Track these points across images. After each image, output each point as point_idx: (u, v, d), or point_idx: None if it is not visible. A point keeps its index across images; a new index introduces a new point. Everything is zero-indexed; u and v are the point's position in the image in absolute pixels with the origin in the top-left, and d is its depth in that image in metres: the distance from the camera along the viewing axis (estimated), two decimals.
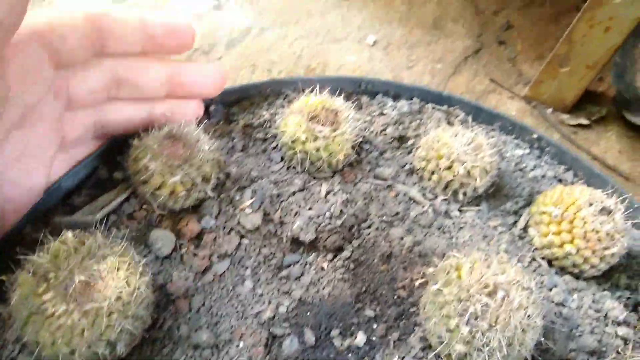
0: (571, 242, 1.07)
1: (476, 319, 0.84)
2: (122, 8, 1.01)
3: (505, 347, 0.84)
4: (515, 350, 0.85)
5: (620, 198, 1.09)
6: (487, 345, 0.84)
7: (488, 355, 0.84)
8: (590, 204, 1.07)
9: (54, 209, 1.01)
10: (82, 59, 0.93)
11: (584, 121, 1.84)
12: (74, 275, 0.75)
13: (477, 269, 0.89)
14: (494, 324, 0.84)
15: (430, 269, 0.95)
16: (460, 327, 0.85)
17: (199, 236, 1.00)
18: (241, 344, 0.89)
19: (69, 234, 0.80)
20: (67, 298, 0.74)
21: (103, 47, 0.95)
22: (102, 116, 1.03)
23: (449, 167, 1.13)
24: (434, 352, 0.91)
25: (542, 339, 0.92)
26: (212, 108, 1.22)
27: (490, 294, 0.85)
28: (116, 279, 0.78)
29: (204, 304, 0.93)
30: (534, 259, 1.11)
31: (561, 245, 1.08)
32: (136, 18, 0.97)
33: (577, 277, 1.11)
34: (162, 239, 0.97)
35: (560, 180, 1.29)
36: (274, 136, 1.18)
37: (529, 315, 0.85)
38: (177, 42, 1.03)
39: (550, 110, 1.87)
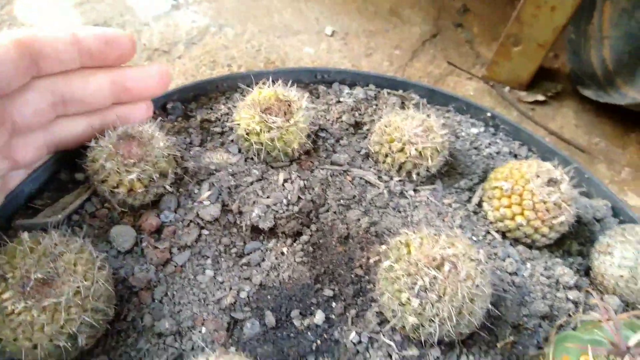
0: (521, 214, 1.11)
1: (425, 291, 0.88)
2: (55, 25, 1.03)
3: (455, 317, 0.87)
4: (465, 319, 0.89)
5: (568, 168, 1.14)
6: (437, 316, 0.88)
7: (439, 325, 0.88)
8: (538, 176, 1.11)
9: (16, 214, 1.03)
10: (18, 85, 0.91)
11: (541, 97, 1.89)
12: (31, 273, 0.78)
13: (425, 244, 0.93)
14: (442, 295, 0.87)
15: (384, 247, 0.99)
16: (411, 300, 0.89)
17: (158, 230, 1.03)
18: (203, 330, 0.92)
19: (24, 235, 0.83)
20: (26, 295, 0.77)
21: (39, 69, 0.94)
22: (54, 135, 1.04)
23: (401, 150, 1.16)
24: (389, 325, 0.95)
25: (493, 307, 0.96)
26: (169, 105, 1.25)
27: (439, 267, 0.89)
28: (74, 274, 0.80)
29: (166, 294, 0.96)
30: (488, 232, 1.16)
31: (512, 218, 1.12)
32: (67, 35, 0.95)
33: (530, 247, 1.15)
34: (123, 234, 1.00)
35: (515, 156, 1.34)
36: (231, 129, 1.21)
37: (477, 285, 0.89)
38: (116, 53, 1.03)
39: (507, 88, 1.92)
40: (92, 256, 0.85)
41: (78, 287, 0.80)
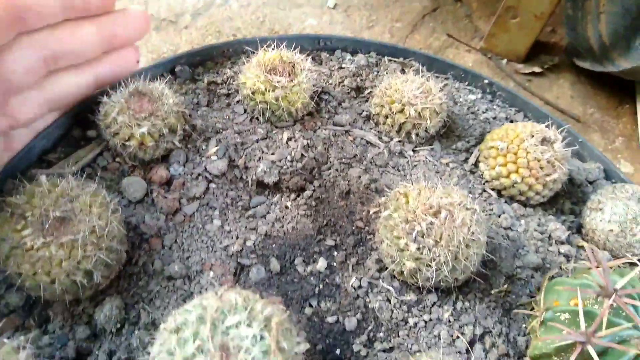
0: (516, 171, 1.15)
1: (422, 236, 0.93)
2: None
3: (451, 261, 0.92)
4: (461, 264, 0.93)
5: (561, 129, 1.18)
6: (434, 260, 0.92)
7: (436, 270, 0.93)
8: (532, 136, 1.15)
9: (30, 167, 1.07)
10: (4, 41, 0.90)
11: (537, 69, 1.93)
12: (50, 212, 0.82)
13: (423, 195, 0.97)
14: (439, 240, 0.92)
15: (383, 199, 1.04)
16: (409, 245, 0.93)
17: (168, 182, 1.07)
18: (211, 274, 0.97)
19: (42, 177, 0.87)
20: (44, 233, 0.82)
21: (24, 25, 0.92)
22: (50, 91, 1.04)
23: (401, 111, 1.20)
24: (388, 271, 1.00)
25: (488, 258, 1.01)
26: (178, 69, 1.29)
27: (435, 214, 0.94)
28: (89, 215, 0.85)
29: (175, 242, 1.01)
30: (484, 191, 1.20)
31: (508, 176, 1.16)
32: None
33: (524, 205, 1.19)
34: (134, 185, 1.04)
35: (511, 121, 1.38)
36: (237, 91, 1.25)
37: (472, 232, 0.93)
38: (97, 2, 1.02)
39: (504, 61, 1.96)
40: (106, 200, 0.90)
41: (93, 226, 0.84)
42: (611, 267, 0.93)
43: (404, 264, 0.95)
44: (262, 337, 0.70)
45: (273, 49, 1.21)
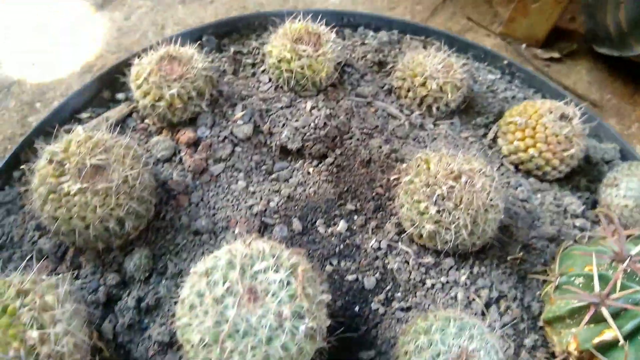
0: (534, 146, 1.18)
1: (443, 199, 0.95)
2: None
3: (470, 225, 0.95)
4: (479, 228, 0.96)
5: (579, 106, 1.20)
6: (453, 223, 0.95)
7: (455, 232, 0.95)
8: (551, 112, 1.17)
9: (62, 125, 1.11)
10: None
11: (556, 55, 1.95)
12: (86, 160, 0.85)
13: (444, 161, 1.00)
14: (459, 204, 0.95)
15: (404, 165, 1.06)
16: (429, 208, 0.96)
17: (195, 143, 1.10)
18: (237, 230, 1.00)
19: (79, 128, 0.91)
20: (81, 179, 0.85)
21: None
22: None
23: (423, 84, 1.23)
24: (407, 234, 1.03)
25: (504, 227, 1.03)
26: (204, 38, 1.32)
27: (456, 179, 0.96)
28: (122, 165, 0.88)
29: (202, 199, 1.04)
30: (502, 165, 1.22)
31: (525, 150, 1.19)
32: None
33: (541, 179, 1.22)
34: (162, 143, 1.07)
35: None
36: (262, 61, 1.28)
37: (491, 198, 0.96)
38: None
39: (523, 45, 1.98)
40: (137, 153, 0.93)
41: (126, 176, 0.87)
42: (628, 236, 0.95)
43: (423, 226, 0.98)
44: (288, 283, 0.73)
45: (299, 21, 1.24)
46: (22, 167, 0.91)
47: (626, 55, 1.80)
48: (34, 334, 0.69)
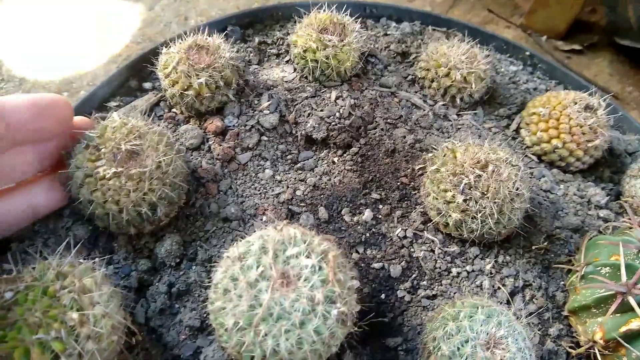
0: (558, 136, 1.18)
1: (470, 188, 0.96)
2: None
3: (496, 214, 0.95)
4: (505, 217, 0.97)
5: (603, 97, 1.20)
6: (480, 212, 0.96)
7: (481, 221, 0.96)
8: (575, 103, 1.18)
9: (91, 113, 1.12)
10: None
11: (577, 47, 1.95)
12: (121, 145, 0.87)
13: (470, 150, 1.01)
14: (486, 193, 0.95)
15: (430, 155, 1.07)
16: (456, 197, 0.97)
17: (223, 132, 1.11)
18: (264, 218, 1.01)
19: (114, 115, 0.92)
20: (116, 164, 0.86)
21: None
22: None
23: (447, 75, 1.24)
24: (432, 223, 1.04)
25: (528, 217, 1.04)
26: (229, 29, 1.33)
27: (483, 168, 0.97)
28: (156, 151, 0.90)
29: (230, 187, 1.05)
30: (525, 156, 1.23)
31: (549, 141, 1.19)
32: None
33: (564, 171, 1.22)
34: (191, 132, 1.09)
35: None
36: (286, 51, 1.29)
37: (517, 187, 0.97)
38: (52, 122, 0.89)
39: (544, 37, 1.98)
40: (170, 140, 0.94)
41: (159, 162, 0.89)
42: None
43: (449, 215, 0.98)
44: (320, 268, 0.74)
45: (324, 11, 1.25)
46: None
47: None
48: (74, 315, 0.71)
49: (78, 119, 0.96)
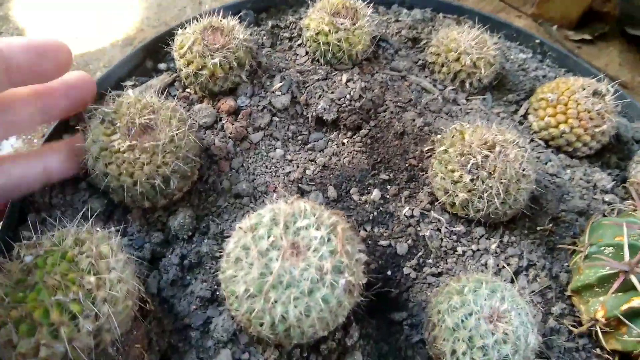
0: (565, 122, 1.19)
1: (477, 168, 0.98)
2: None
3: (502, 193, 0.97)
4: (511, 197, 0.99)
5: (611, 84, 1.21)
6: (486, 192, 0.98)
7: (488, 200, 0.98)
8: (583, 89, 1.19)
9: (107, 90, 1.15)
10: None
11: (587, 36, 1.96)
12: (135, 119, 0.90)
13: (478, 132, 1.02)
14: (492, 172, 0.97)
15: (438, 136, 1.09)
16: (464, 176, 0.99)
17: (235, 112, 1.14)
18: (275, 195, 1.04)
19: (129, 91, 0.95)
20: (130, 138, 0.89)
21: None
22: None
23: (457, 59, 1.25)
24: (439, 203, 1.06)
25: (534, 199, 1.06)
26: (243, 12, 1.35)
27: (490, 149, 0.99)
28: (169, 125, 0.92)
29: (242, 165, 1.08)
30: (532, 140, 1.25)
31: (556, 126, 1.20)
32: None
33: (571, 156, 1.24)
34: (204, 111, 1.11)
35: None
36: (299, 35, 1.31)
37: (523, 168, 0.98)
38: (51, 65, 0.91)
39: (555, 27, 1.99)
40: (183, 116, 0.97)
41: (172, 136, 0.91)
42: None
43: (456, 195, 1.00)
44: (329, 239, 0.77)
45: None
46: (77, 127, 0.96)
47: None
48: (91, 279, 0.73)
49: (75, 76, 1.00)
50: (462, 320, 0.83)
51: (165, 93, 1.16)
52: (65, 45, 0.92)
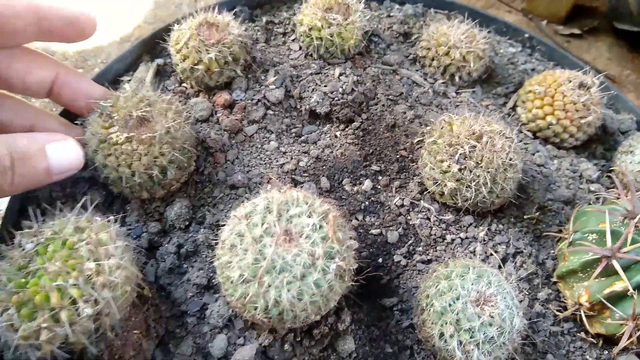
0: (552, 113, 1.22)
1: (465, 158, 1.01)
2: None
3: (489, 182, 1.00)
4: (499, 186, 1.02)
5: (597, 76, 1.25)
6: (474, 181, 1.01)
7: (476, 189, 1.01)
8: (569, 81, 1.22)
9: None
10: None
11: (577, 31, 1.99)
12: (132, 112, 0.92)
13: (466, 123, 1.05)
14: (480, 162, 1.00)
15: (428, 128, 1.12)
16: (452, 166, 1.02)
17: (230, 106, 1.17)
18: (269, 186, 1.07)
19: (126, 85, 0.98)
20: (127, 130, 0.92)
21: None
22: None
23: (447, 53, 1.28)
24: (428, 192, 1.09)
25: (522, 189, 1.09)
26: (237, 9, 1.38)
27: (478, 139, 1.02)
28: (165, 117, 0.95)
29: (237, 157, 1.10)
30: (520, 132, 1.28)
31: (544, 117, 1.24)
32: (30, 8, 0.89)
33: (558, 147, 1.27)
34: (200, 104, 1.14)
35: None
36: (293, 30, 1.34)
37: (510, 158, 1.01)
38: (76, 32, 0.97)
39: (545, 22, 2.02)
40: (179, 108, 1.00)
41: (169, 127, 0.94)
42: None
43: (445, 184, 1.03)
44: (321, 226, 0.80)
45: None
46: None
47: None
48: (91, 265, 0.76)
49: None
50: (450, 304, 0.86)
51: (162, 87, 1.19)
52: (94, 20, 0.98)
